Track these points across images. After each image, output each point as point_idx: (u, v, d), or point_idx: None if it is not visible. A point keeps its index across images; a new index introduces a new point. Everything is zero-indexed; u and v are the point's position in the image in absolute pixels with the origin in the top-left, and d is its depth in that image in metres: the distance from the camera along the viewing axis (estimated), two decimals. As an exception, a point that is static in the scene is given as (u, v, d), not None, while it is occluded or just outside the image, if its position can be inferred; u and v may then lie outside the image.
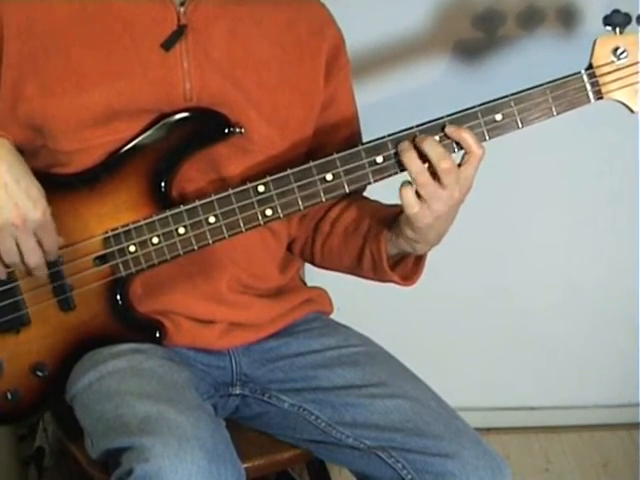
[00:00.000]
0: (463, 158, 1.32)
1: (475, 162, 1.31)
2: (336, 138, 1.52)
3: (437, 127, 1.33)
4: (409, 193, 1.31)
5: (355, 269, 1.51)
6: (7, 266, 1.35)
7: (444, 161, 1.30)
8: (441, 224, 1.34)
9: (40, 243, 1.32)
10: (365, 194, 1.55)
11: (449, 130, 1.32)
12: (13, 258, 1.33)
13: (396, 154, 1.34)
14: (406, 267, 1.46)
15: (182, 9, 1.40)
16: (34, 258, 1.33)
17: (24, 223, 1.29)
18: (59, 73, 1.37)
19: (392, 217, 1.39)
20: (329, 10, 1.54)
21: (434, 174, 1.31)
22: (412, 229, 1.35)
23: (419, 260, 1.45)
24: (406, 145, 1.32)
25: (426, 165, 1.31)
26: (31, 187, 1.31)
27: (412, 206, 1.31)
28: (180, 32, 1.39)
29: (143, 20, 1.39)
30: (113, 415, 1.28)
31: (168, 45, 1.39)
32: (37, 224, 1.31)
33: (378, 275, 1.47)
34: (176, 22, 1.39)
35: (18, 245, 1.31)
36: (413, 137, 1.33)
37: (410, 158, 1.31)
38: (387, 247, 1.42)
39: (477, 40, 2.18)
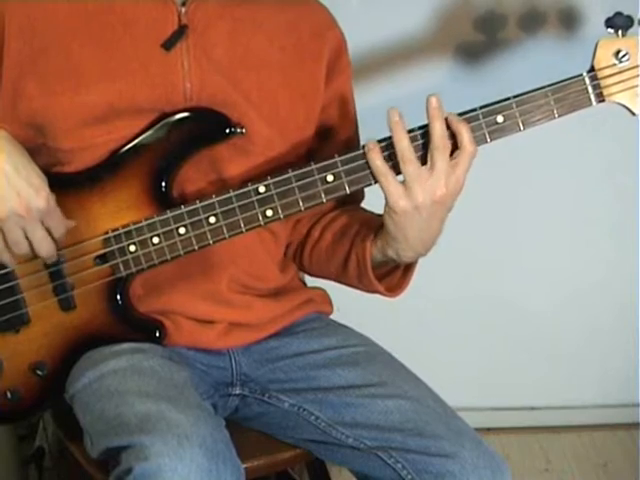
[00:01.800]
0: (454, 154, 1.31)
1: (465, 160, 1.30)
2: (335, 140, 1.52)
3: None
4: (376, 156, 1.31)
5: (341, 276, 1.51)
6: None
7: (445, 140, 1.29)
8: (422, 222, 1.33)
9: (49, 231, 1.32)
10: (366, 195, 1.56)
11: (451, 117, 1.31)
12: (23, 249, 1.32)
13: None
14: (393, 279, 1.46)
15: (183, 9, 1.40)
16: (45, 247, 1.32)
17: (29, 212, 1.29)
18: (59, 72, 1.37)
19: (381, 224, 1.39)
20: (331, 13, 1.54)
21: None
22: (390, 217, 1.33)
23: (406, 273, 1.45)
24: (397, 117, 1.31)
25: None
26: (32, 175, 1.30)
27: (384, 174, 1.31)
28: (181, 32, 1.39)
29: (144, 20, 1.39)
30: (113, 414, 1.28)
31: (169, 45, 1.39)
32: (42, 212, 1.30)
33: (363, 283, 1.46)
34: (177, 22, 1.39)
35: (26, 235, 1.31)
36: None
37: (400, 132, 1.30)
38: (373, 252, 1.41)
39: (478, 43, 2.18)
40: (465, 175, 1.31)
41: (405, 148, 1.30)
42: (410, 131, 1.32)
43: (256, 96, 1.43)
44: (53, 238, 1.33)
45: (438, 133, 1.29)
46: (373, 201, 1.51)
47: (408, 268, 1.45)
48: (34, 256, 1.34)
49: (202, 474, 1.18)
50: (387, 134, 1.33)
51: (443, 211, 1.34)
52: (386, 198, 1.32)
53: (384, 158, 1.32)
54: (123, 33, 1.39)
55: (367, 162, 1.33)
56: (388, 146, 1.33)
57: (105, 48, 1.38)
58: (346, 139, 1.53)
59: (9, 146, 1.31)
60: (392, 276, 1.46)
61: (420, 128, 1.33)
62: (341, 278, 1.52)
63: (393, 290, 1.46)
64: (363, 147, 1.34)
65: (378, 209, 1.40)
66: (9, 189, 1.28)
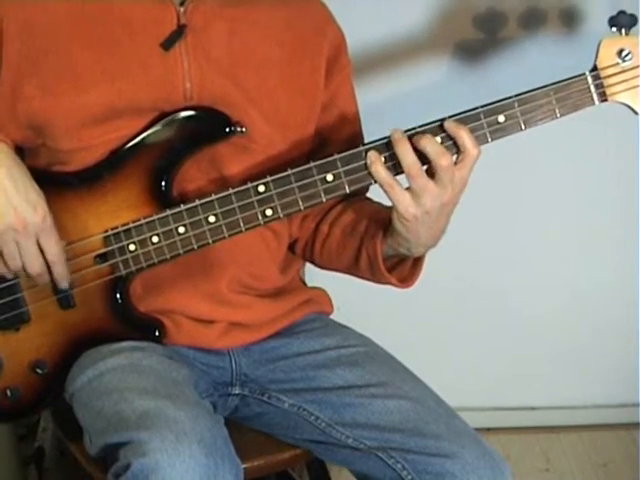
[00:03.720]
0: (458, 158, 1.31)
1: (469, 163, 1.31)
2: (337, 138, 1.52)
3: (437, 128, 1.32)
4: (380, 168, 1.31)
5: (353, 270, 1.51)
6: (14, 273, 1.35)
7: (443, 157, 1.29)
8: (432, 222, 1.33)
9: (42, 249, 1.32)
10: (367, 195, 1.55)
11: (448, 124, 1.31)
12: (16, 264, 1.32)
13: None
14: (404, 270, 1.45)
15: (182, 9, 1.40)
16: (36, 264, 1.32)
17: (24, 227, 1.29)
18: (58, 73, 1.37)
19: (390, 218, 1.38)
20: (329, 10, 1.54)
21: (427, 170, 1.31)
22: (401, 223, 1.34)
23: (417, 263, 1.45)
24: (399, 135, 1.31)
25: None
26: (31, 192, 1.30)
27: (390, 185, 1.31)
28: (180, 32, 1.39)
29: (142, 20, 1.39)
30: (112, 411, 1.28)
31: (167, 45, 1.39)
32: (37, 228, 1.30)
33: (375, 276, 1.46)
34: (176, 22, 1.39)
35: (19, 251, 1.31)
36: (410, 135, 1.32)
37: (404, 149, 1.30)
38: (383, 248, 1.41)
39: (478, 41, 2.18)
40: (469, 174, 1.32)
41: (411, 165, 1.30)
42: (407, 130, 1.32)
43: (256, 94, 1.43)
44: (45, 257, 1.33)
45: (432, 153, 1.29)
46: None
47: (418, 258, 1.45)
48: (26, 274, 1.34)
49: (200, 470, 1.18)
50: (384, 133, 1.33)
51: (451, 208, 1.34)
52: (395, 207, 1.33)
53: (386, 159, 1.32)
54: (122, 34, 1.39)
55: (370, 174, 1.33)
56: (388, 145, 1.33)
57: (104, 49, 1.38)
58: (348, 137, 1.52)
59: (9, 161, 1.31)
60: (403, 267, 1.45)
61: (420, 127, 1.33)
62: (352, 272, 1.52)
63: (405, 281, 1.46)
64: (364, 145, 1.34)
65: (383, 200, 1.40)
66: (7, 204, 1.28)
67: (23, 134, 1.39)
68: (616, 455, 2.44)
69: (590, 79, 1.32)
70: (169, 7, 1.39)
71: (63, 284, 1.37)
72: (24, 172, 1.32)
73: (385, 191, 1.32)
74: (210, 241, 1.37)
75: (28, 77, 1.37)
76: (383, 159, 1.32)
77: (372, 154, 1.33)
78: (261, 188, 1.36)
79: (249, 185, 1.36)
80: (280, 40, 1.46)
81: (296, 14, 1.49)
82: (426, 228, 1.34)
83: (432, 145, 1.30)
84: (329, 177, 1.35)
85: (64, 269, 1.35)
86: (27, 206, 1.29)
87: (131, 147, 1.38)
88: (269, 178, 1.35)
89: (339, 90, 1.53)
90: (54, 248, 1.33)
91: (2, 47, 1.37)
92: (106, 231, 1.38)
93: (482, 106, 1.32)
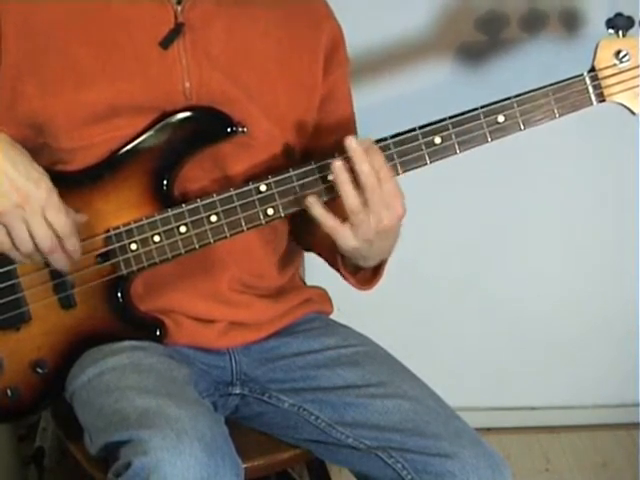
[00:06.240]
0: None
1: (363, 163, 1.29)
2: (333, 138, 1.51)
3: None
4: (317, 208, 1.32)
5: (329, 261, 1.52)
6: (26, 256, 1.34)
7: (364, 163, 1.28)
8: (379, 244, 1.34)
9: (50, 225, 1.30)
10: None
11: (335, 163, 1.30)
12: (27, 246, 1.31)
13: (398, 155, 1.34)
14: (366, 274, 1.47)
15: (179, 8, 1.40)
16: (46, 240, 1.30)
17: (28, 202, 1.28)
18: (58, 71, 1.37)
19: None
20: (328, 4, 1.55)
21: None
22: (350, 253, 1.36)
23: (378, 269, 1.46)
24: (342, 178, 1.30)
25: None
26: (31, 170, 1.30)
27: (333, 227, 1.31)
28: (178, 31, 1.39)
29: (140, 19, 1.39)
30: (112, 409, 1.28)
31: (166, 43, 1.39)
32: (42, 202, 1.29)
33: (340, 272, 1.48)
34: (173, 21, 1.40)
35: (29, 229, 1.30)
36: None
37: (346, 187, 1.30)
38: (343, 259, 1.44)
39: (480, 43, 2.18)
40: (395, 183, 1.31)
41: (353, 204, 1.29)
42: (381, 140, 1.33)
43: (255, 90, 1.44)
44: (57, 234, 1.32)
45: (362, 177, 1.29)
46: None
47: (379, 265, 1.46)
48: (39, 255, 1.33)
49: (201, 469, 1.18)
50: (386, 134, 1.34)
51: (395, 228, 1.34)
52: (336, 242, 1.33)
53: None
54: (120, 33, 1.39)
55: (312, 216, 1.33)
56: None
57: (103, 47, 1.39)
58: (345, 133, 1.52)
59: (6, 145, 1.31)
60: (365, 271, 1.46)
61: (420, 127, 1.34)
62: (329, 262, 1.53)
63: (365, 284, 1.48)
64: None
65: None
66: (9, 186, 1.28)
67: (23, 133, 1.38)
68: (616, 455, 2.44)
69: (588, 80, 1.33)
70: (166, 6, 1.40)
71: (76, 256, 1.34)
72: (23, 154, 1.31)
73: (329, 231, 1.32)
74: (212, 240, 1.38)
75: (28, 76, 1.37)
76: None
77: (310, 198, 1.32)
78: (262, 187, 1.36)
79: (251, 185, 1.36)
80: (277, 37, 1.47)
81: (294, 11, 1.50)
82: (372, 252, 1.36)
83: (365, 168, 1.29)
84: (330, 176, 1.35)
85: (76, 242, 1.33)
86: (29, 183, 1.28)
87: (133, 147, 1.39)
88: (271, 178, 1.36)
89: (337, 86, 1.53)
90: (63, 221, 1.31)
91: (1, 45, 1.37)
92: (107, 230, 1.38)
93: (482, 106, 1.33)
